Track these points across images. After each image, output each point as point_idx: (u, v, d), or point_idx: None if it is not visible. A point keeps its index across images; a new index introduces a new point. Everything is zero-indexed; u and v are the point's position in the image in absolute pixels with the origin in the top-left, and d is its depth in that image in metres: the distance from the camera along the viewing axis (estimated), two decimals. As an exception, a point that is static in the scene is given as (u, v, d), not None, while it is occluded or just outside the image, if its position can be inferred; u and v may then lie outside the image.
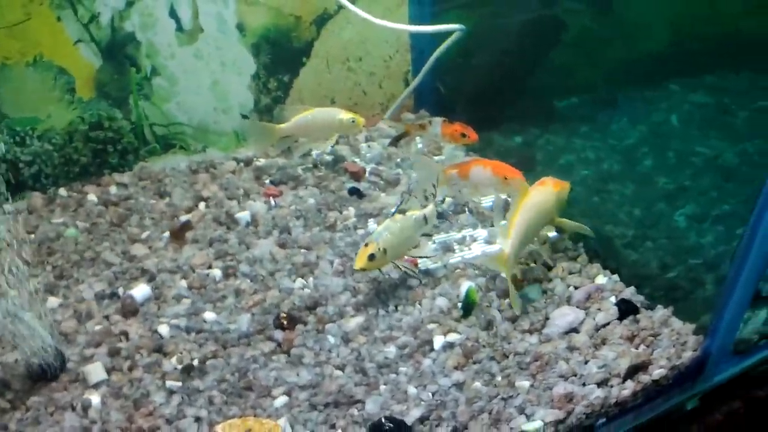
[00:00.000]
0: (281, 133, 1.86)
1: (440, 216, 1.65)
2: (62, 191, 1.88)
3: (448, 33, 1.99)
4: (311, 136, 1.90)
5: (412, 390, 1.27)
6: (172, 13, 1.88)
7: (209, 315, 1.41)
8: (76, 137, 1.89)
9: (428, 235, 1.54)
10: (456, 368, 1.33)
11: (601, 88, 2.13)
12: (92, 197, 1.85)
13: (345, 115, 1.85)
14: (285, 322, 1.39)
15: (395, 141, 2.04)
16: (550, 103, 2.11)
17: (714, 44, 2.08)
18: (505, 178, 1.58)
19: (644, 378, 1.29)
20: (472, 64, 2.09)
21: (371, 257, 1.38)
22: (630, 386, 1.28)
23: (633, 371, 1.29)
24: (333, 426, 1.22)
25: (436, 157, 2.00)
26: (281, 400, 1.25)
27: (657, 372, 1.30)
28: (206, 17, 1.92)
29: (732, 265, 1.30)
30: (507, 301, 1.46)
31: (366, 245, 1.39)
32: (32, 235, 1.70)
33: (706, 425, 1.42)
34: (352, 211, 1.74)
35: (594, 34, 2.03)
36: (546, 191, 1.53)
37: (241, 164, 1.98)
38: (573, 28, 2.02)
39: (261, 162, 1.99)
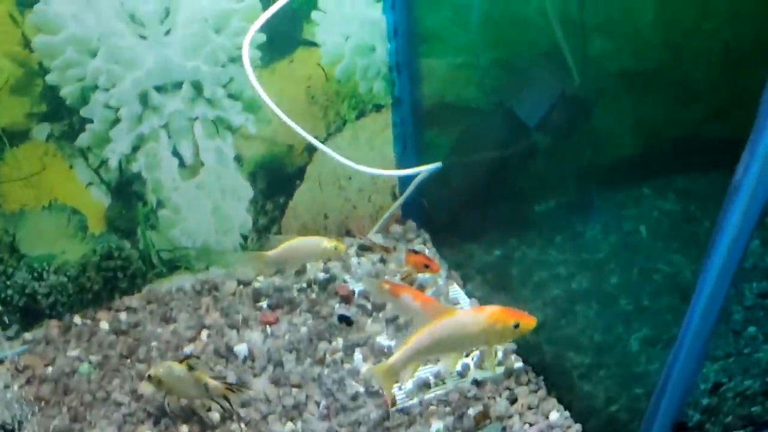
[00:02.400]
0: (269, 261, 2.02)
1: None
2: (77, 318, 2.05)
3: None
4: (297, 262, 2.07)
5: None
6: (175, 152, 2.06)
7: (207, 464, 1.58)
8: (89, 268, 2.07)
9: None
10: (422, 507, 1.48)
11: (578, 197, 2.27)
12: (104, 324, 2.02)
13: (327, 243, 2.02)
14: (274, 472, 1.55)
15: (362, 249, 2.27)
16: (527, 216, 2.25)
17: (683, 146, 2.21)
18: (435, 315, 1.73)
19: None
20: (452, 181, 2.24)
21: (149, 377, 1.64)
22: None
23: None
24: None
25: (420, 274, 2.13)
26: None
27: None
28: (206, 153, 2.09)
29: (650, 400, 1.41)
30: (471, 440, 1.62)
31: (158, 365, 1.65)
32: (50, 368, 1.88)
33: None
34: (340, 342, 1.90)
35: (567, 144, 2.17)
36: (468, 319, 1.59)
37: (241, 286, 2.14)
38: (543, 145, 2.15)
39: (259, 282, 2.15)
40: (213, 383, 1.64)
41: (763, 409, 1.65)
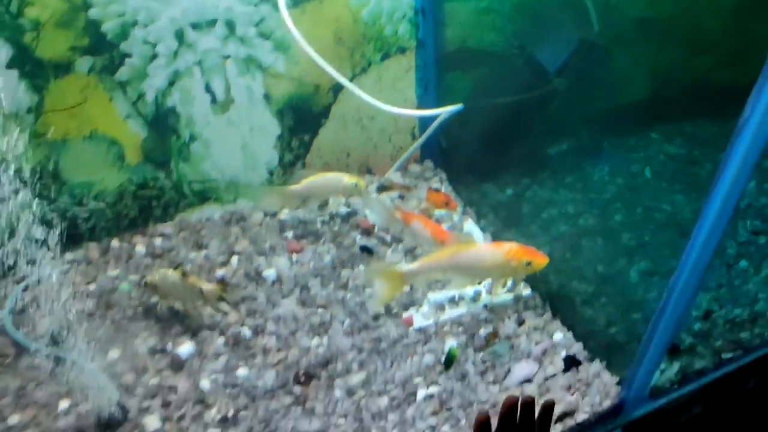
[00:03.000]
0: (292, 195, 2.15)
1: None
2: (114, 242, 2.19)
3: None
4: (319, 197, 2.20)
5: (395, 434, 1.58)
6: (208, 89, 2.16)
7: (242, 371, 1.73)
8: (126, 196, 2.20)
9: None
10: (433, 414, 1.63)
11: (589, 141, 2.37)
12: (140, 248, 2.16)
13: (348, 180, 2.13)
14: (303, 379, 1.70)
15: (381, 189, 2.38)
16: (540, 158, 2.36)
17: (693, 93, 2.30)
18: (442, 242, 1.88)
19: (570, 422, 1.59)
20: (469, 121, 2.34)
21: (145, 284, 1.81)
22: (559, 427, 1.58)
23: (563, 416, 1.59)
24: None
25: (437, 210, 2.26)
26: (296, 447, 1.57)
27: (581, 416, 1.60)
28: (237, 90, 2.20)
29: (649, 323, 1.53)
30: (481, 356, 1.76)
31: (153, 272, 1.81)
32: (92, 286, 2.03)
33: (627, 448, 1.69)
34: (362, 270, 2.03)
35: (583, 89, 2.26)
36: (488, 253, 1.75)
37: (267, 217, 2.28)
38: (560, 89, 2.25)
39: (284, 215, 2.29)
40: (207, 286, 1.78)
41: (751, 335, 1.78)
